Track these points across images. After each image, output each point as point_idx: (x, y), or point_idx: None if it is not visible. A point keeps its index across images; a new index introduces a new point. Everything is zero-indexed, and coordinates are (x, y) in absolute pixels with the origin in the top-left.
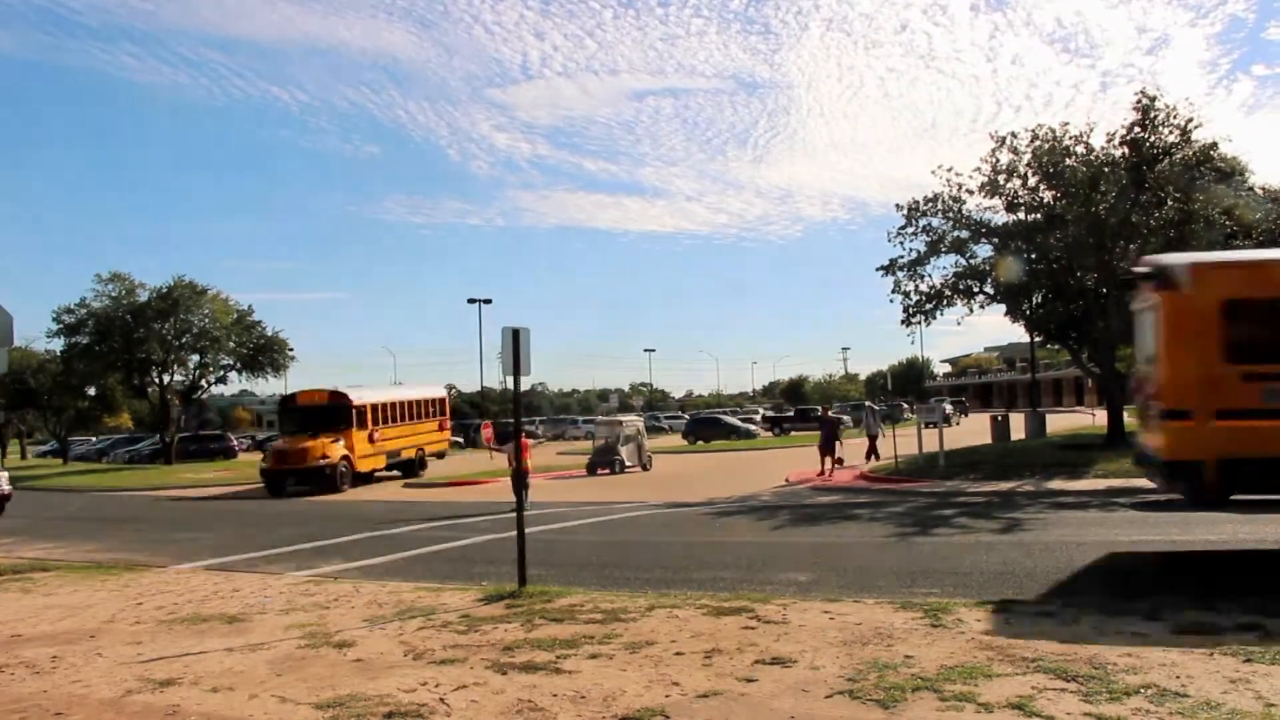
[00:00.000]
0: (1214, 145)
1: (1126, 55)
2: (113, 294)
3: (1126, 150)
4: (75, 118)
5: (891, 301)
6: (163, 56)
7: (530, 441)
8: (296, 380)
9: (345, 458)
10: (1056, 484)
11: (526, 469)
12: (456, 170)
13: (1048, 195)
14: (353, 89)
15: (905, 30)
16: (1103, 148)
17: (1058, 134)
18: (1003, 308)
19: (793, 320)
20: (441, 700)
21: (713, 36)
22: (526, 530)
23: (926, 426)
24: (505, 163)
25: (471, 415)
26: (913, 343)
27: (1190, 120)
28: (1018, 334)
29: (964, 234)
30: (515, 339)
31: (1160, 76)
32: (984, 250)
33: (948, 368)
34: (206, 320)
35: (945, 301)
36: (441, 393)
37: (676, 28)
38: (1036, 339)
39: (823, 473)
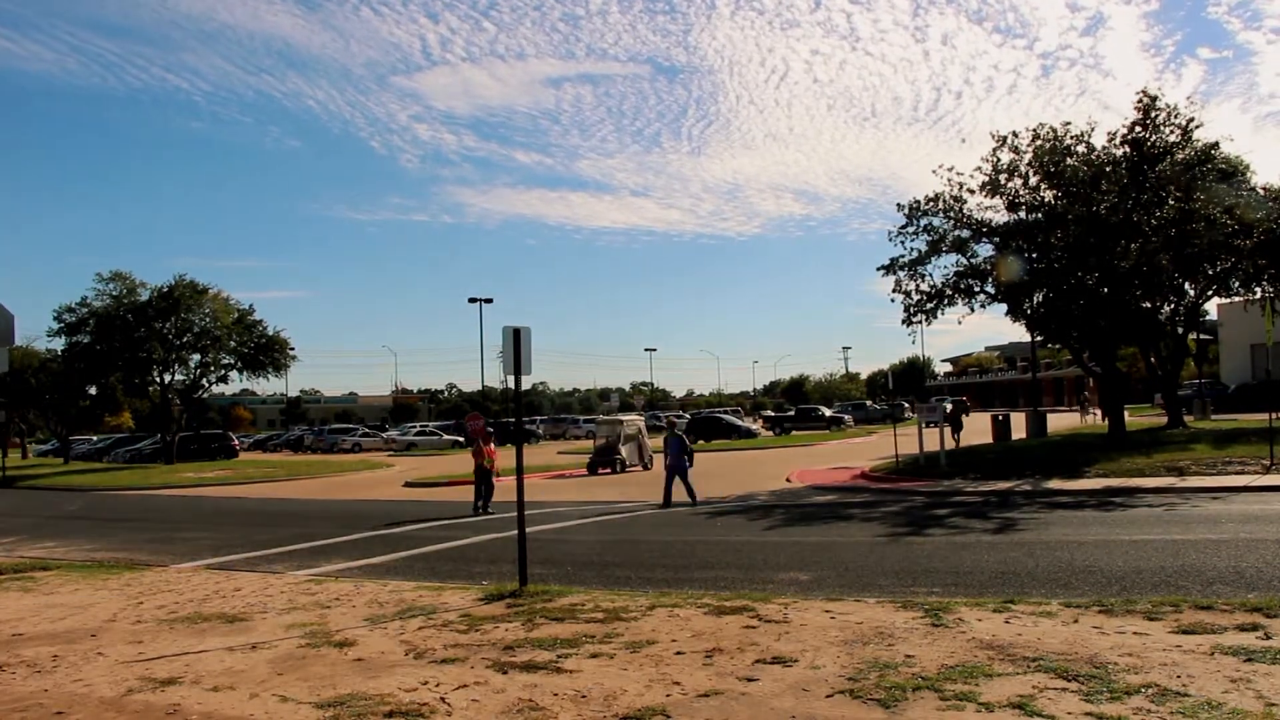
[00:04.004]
0: (1215, 145)
1: (1062, 36)
2: (114, 293)
3: (1127, 149)
4: None
5: (893, 300)
6: (42, 41)
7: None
8: (297, 379)
9: None
10: (1056, 483)
11: (491, 468)
12: (386, 165)
13: (1049, 194)
14: (253, 76)
15: (820, 8)
16: (1103, 147)
17: (1059, 133)
18: (1003, 307)
19: (790, 319)
20: (442, 699)
21: (616, 16)
22: (527, 529)
23: (927, 426)
24: (434, 156)
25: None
26: (913, 342)
27: (1191, 120)
28: (1018, 333)
29: (965, 233)
30: (516, 338)
31: (1104, 60)
32: (985, 250)
33: (949, 367)
34: (207, 319)
35: (946, 301)
36: None
37: (575, 7)
38: (1037, 338)
39: None
